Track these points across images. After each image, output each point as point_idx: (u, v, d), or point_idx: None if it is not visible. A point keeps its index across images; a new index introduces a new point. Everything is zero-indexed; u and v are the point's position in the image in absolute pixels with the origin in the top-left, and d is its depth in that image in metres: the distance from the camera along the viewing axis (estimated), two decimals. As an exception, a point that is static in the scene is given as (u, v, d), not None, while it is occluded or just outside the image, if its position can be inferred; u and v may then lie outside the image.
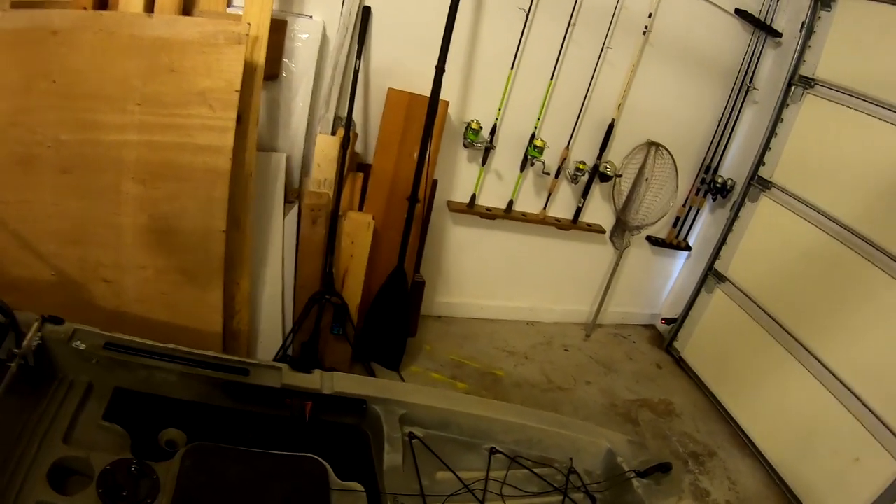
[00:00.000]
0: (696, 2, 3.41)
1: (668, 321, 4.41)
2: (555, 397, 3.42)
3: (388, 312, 3.01)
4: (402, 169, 2.89)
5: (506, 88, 3.10)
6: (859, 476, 2.98)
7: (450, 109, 3.02)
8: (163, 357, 1.53)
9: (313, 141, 2.72)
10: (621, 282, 4.24)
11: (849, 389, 3.07)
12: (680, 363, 4.24)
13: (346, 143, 2.65)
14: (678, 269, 4.50)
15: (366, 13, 2.66)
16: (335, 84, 2.74)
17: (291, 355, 2.60)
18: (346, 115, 2.71)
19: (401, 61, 2.85)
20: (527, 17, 2.97)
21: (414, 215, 2.90)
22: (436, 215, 3.33)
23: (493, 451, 1.78)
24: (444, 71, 2.64)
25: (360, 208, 2.93)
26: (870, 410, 2.97)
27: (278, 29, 2.39)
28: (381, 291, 2.99)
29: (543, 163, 3.32)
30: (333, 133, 2.76)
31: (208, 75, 2.03)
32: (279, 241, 2.55)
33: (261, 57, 2.22)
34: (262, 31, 2.22)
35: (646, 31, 3.28)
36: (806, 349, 3.33)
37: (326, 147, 2.66)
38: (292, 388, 1.63)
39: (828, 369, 3.19)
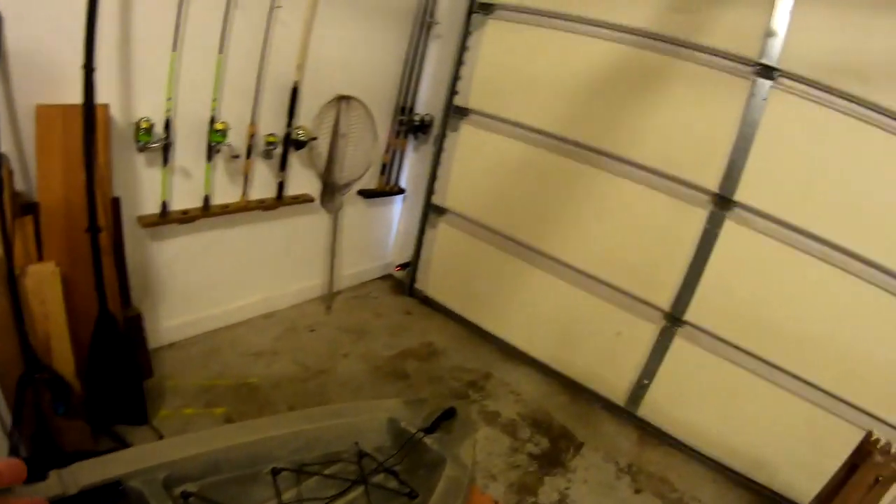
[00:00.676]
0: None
1: (402, 266, 4.78)
2: (318, 383, 3.53)
3: (109, 365, 2.82)
4: (75, 197, 2.65)
5: (171, 74, 2.96)
6: (625, 346, 3.70)
7: (112, 112, 2.82)
8: None
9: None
10: (346, 243, 4.45)
11: (591, 277, 3.73)
12: (427, 302, 4.66)
13: (-1, 186, 2.38)
14: (398, 214, 4.86)
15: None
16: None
17: (25, 457, 2.36)
18: (-10, 151, 2.37)
19: (47, 68, 2.55)
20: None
21: (101, 246, 2.73)
22: (131, 236, 3.12)
23: (276, 472, 1.76)
24: (94, 70, 2.46)
25: (40, 258, 2.68)
26: (615, 288, 3.66)
27: None
28: (92, 345, 2.79)
29: (230, 146, 3.27)
30: (-19, 178, 2.42)
31: None
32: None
33: None
34: None
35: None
36: (540, 253, 3.93)
37: (-25, 198, 2.35)
38: (33, 506, 1.50)
39: (566, 265, 3.82)
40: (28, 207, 2.64)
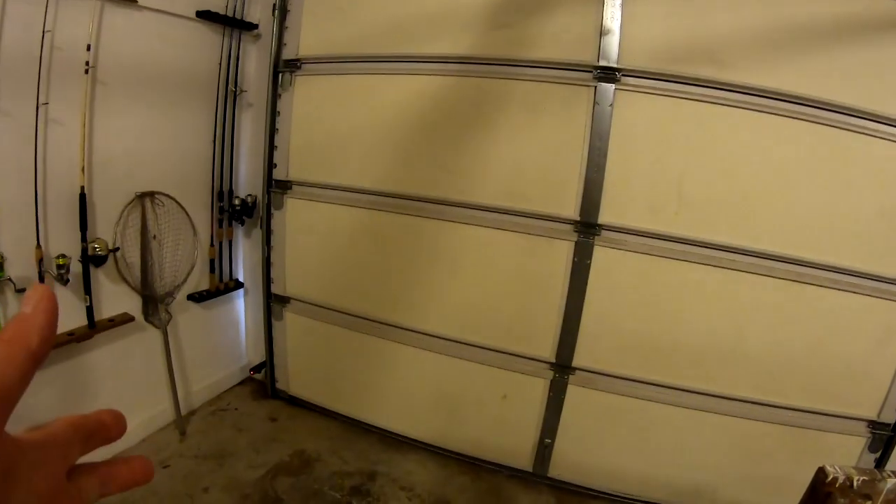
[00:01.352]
0: (148, 16, 3.26)
1: (256, 369, 4.40)
2: (177, 533, 3.08)
3: None
4: None
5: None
6: (516, 408, 3.47)
7: None
8: None
9: None
10: (189, 355, 4.03)
11: (459, 342, 3.49)
12: (294, 402, 4.29)
13: None
14: (243, 310, 4.49)
15: None
16: None
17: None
18: None
19: None
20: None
21: None
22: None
23: None
24: None
25: None
26: (489, 349, 3.44)
27: None
28: None
29: (12, 280, 2.83)
30: None
31: None
32: None
33: None
34: None
35: (89, 69, 2.98)
36: (399, 327, 3.66)
37: None
38: None
39: (430, 334, 3.57)
40: None
